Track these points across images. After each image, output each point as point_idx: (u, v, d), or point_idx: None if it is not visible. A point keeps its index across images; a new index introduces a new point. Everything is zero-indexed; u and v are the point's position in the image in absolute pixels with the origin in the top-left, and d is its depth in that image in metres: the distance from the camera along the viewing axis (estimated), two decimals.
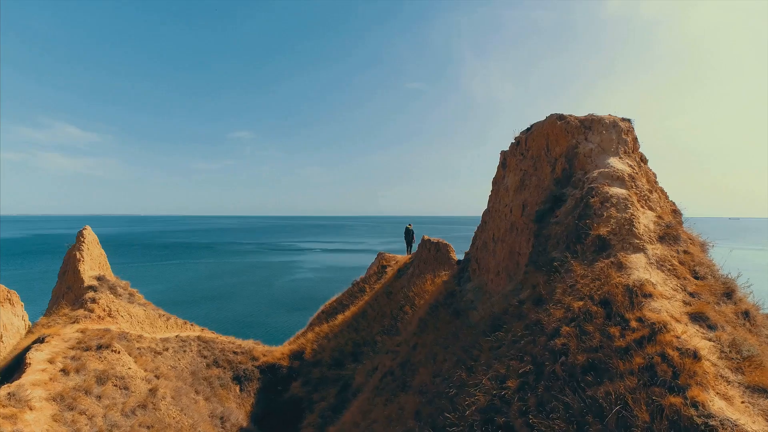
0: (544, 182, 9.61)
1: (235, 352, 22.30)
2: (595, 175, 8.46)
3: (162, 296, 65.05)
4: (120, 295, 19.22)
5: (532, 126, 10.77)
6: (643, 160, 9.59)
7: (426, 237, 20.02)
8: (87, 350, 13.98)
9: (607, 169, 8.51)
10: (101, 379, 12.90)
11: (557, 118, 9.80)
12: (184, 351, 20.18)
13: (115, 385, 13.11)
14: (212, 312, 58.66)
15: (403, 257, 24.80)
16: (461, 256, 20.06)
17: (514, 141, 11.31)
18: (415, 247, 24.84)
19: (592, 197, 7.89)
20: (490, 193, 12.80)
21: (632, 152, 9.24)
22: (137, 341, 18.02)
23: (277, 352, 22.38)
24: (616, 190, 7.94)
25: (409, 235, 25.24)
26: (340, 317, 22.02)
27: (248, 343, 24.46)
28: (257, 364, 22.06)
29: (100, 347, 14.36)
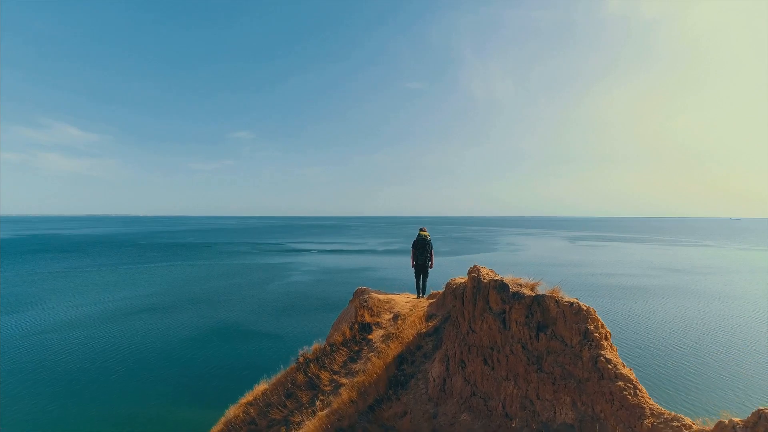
0: None
1: None
2: None
3: (142, 301, 56.92)
4: None
5: None
6: None
7: (491, 274, 5.90)
8: None
9: None
10: None
11: None
12: None
13: None
14: (189, 319, 47.88)
15: (407, 303, 11.10)
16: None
17: None
18: (436, 279, 11.07)
19: None
20: None
21: None
22: None
23: None
24: None
25: (424, 250, 11.15)
26: None
27: None
28: None
29: None
